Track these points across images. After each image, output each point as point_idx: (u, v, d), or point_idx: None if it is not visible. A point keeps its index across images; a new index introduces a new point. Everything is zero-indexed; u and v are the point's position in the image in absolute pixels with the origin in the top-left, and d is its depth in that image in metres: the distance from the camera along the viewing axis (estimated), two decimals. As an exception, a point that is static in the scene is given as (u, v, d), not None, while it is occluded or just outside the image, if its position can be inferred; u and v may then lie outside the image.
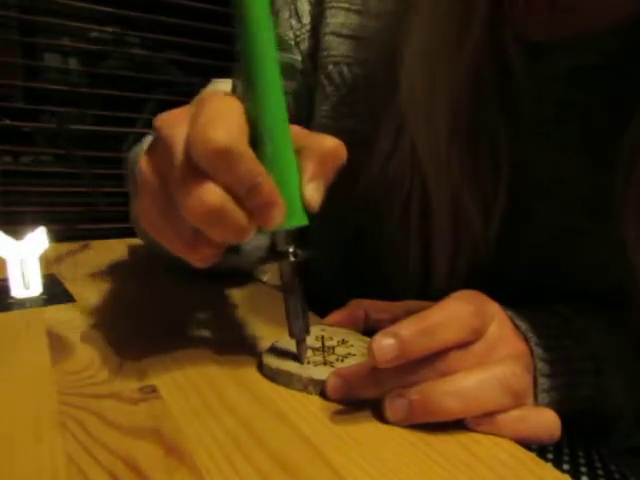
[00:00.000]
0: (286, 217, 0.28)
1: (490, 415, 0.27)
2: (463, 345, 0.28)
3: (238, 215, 0.26)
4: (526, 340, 0.31)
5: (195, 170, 0.26)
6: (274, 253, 0.31)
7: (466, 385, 0.27)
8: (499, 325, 0.30)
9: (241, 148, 0.26)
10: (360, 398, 0.29)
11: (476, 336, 0.29)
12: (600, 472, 0.31)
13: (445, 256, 0.40)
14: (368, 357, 0.27)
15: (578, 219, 0.38)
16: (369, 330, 0.37)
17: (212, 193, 0.26)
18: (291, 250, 0.31)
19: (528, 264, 0.40)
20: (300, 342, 0.32)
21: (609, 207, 0.34)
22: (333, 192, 0.47)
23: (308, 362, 0.32)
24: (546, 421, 0.28)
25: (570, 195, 0.38)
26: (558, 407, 0.29)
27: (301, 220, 0.30)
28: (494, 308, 0.31)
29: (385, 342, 0.27)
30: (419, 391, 0.27)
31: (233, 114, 0.27)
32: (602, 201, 0.36)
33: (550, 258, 0.39)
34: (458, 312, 0.28)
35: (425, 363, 0.28)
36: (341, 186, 0.47)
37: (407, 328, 0.27)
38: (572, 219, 0.38)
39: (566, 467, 0.31)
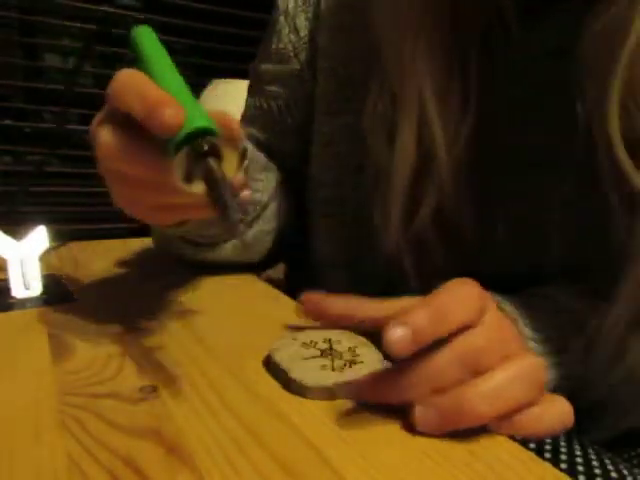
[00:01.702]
0: (188, 121, 0.28)
1: (510, 417, 0.27)
2: (465, 347, 0.28)
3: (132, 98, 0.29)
4: (515, 323, 0.32)
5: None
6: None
7: (496, 384, 0.27)
8: (493, 313, 0.30)
9: (136, 77, 0.31)
10: (374, 402, 0.29)
11: (480, 317, 0.29)
12: (597, 471, 0.31)
13: (407, 179, 0.40)
14: (383, 348, 0.26)
15: (562, 190, 0.38)
16: (367, 332, 0.36)
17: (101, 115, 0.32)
18: (205, 146, 0.29)
19: (510, 236, 0.40)
20: (233, 224, 0.28)
21: (593, 177, 0.35)
22: (334, 185, 0.48)
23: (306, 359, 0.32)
24: (562, 413, 0.28)
25: (553, 166, 0.38)
26: (551, 388, 0.29)
27: (206, 122, 0.29)
28: (489, 295, 0.31)
29: (398, 332, 0.26)
30: (452, 397, 0.27)
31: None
32: (586, 171, 0.36)
33: (533, 232, 0.40)
34: (464, 294, 0.28)
35: (446, 365, 0.27)
36: (342, 178, 0.49)
37: (417, 315, 0.27)
38: (556, 190, 0.38)
39: (563, 466, 0.31)
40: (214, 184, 0.28)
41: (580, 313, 0.35)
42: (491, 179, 0.40)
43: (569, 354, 0.33)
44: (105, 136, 0.31)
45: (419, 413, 0.27)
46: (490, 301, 0.30)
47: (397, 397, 0.28)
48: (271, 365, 0.33)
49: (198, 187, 0.29)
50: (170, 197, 0.32)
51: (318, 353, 0.33)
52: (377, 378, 0.29)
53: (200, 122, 0.29)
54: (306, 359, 0.32)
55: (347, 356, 0.33)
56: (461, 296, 0.28)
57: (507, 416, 0.27)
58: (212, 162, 0.29)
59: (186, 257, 0.53)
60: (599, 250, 0.37)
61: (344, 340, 0.35)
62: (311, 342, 0.35)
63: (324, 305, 0.33)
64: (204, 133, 0.29)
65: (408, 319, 0.27)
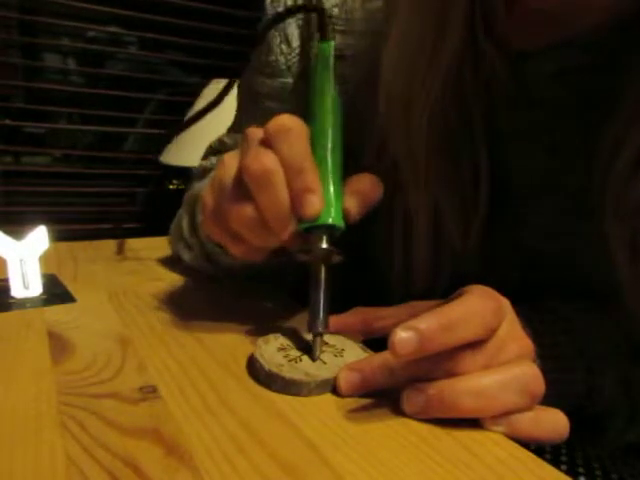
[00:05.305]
0: (324, 214, 0.31)
1: (507, 417, 0.27)
2: (475, 342, 0.28)
3: (282, 187, 0.31)
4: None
5: (263, 143, 0.32)
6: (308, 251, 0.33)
7: (485, 385, 0.27)
8: (510, 323, 0.30)
9: (300, 130, 0.32)
10: (372, 389, 0.30)
11: (491, 334, 0.29)
12: (597, 472, 0.31)
13: (424, 265, 0.40)
14: (388, 350, 0.27)
15: (568, 220, 0.38)
16: (374, 339, 0.36)
17: (268, 157, 0.31)
18: (325, 246, 0.32)
19: (519, 267, 0.40)
20: (315, 337, 0.32)
21: (596, 207, 0.35)
22: None
23: (297, 361, 0.32)
24: (557, 423, 0.28)
25: (558, 196, 0.38)
26: (549, 403, 0.29)
27: (338, 221, 0.32)
28: (507, 305, 0.31)
29: (405, 335, 0.26)
30: (438, 387, 0.27)
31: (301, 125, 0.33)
32: (590, 201, 0.36)
33: (540, 259, 0.39)
34: (478, 309, 0.28)
35: (436, 358, 0.28)
36: None
37: (427, 322, 0.27)
38: (561, 220, 0.38)
39: (564, 467, 0.31)
40: (316, 292, 0.32)
41: (589, 334, 0.35)
42: (496, 210, 0.39)
43: (569, 373, 0.33)
44: (268, 159, 0.31)
45: (406, 396, 0.28)
46: (507, 316, 0.30)
47: (386, 381, 0.29)
48: (256, 367, 0.32)
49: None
50: (270, 243, 0.34)
51: (300, 351, 0.33)
52: (367, 362, 0.30)
53: (331, 218, 0.32)
54: (290, 358, 0.32)
55: (331, 349, 0.34)
56: (475, 310, 0.28)
57: (500, 416, 0.27)
58: (323, 272, 0.32)
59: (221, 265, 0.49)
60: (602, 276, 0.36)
61: (327, 338, 0.35)
62: (291, 342, 0.35)
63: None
64: (332, 226, 0.32)
65: (418, 325, 0.27)
